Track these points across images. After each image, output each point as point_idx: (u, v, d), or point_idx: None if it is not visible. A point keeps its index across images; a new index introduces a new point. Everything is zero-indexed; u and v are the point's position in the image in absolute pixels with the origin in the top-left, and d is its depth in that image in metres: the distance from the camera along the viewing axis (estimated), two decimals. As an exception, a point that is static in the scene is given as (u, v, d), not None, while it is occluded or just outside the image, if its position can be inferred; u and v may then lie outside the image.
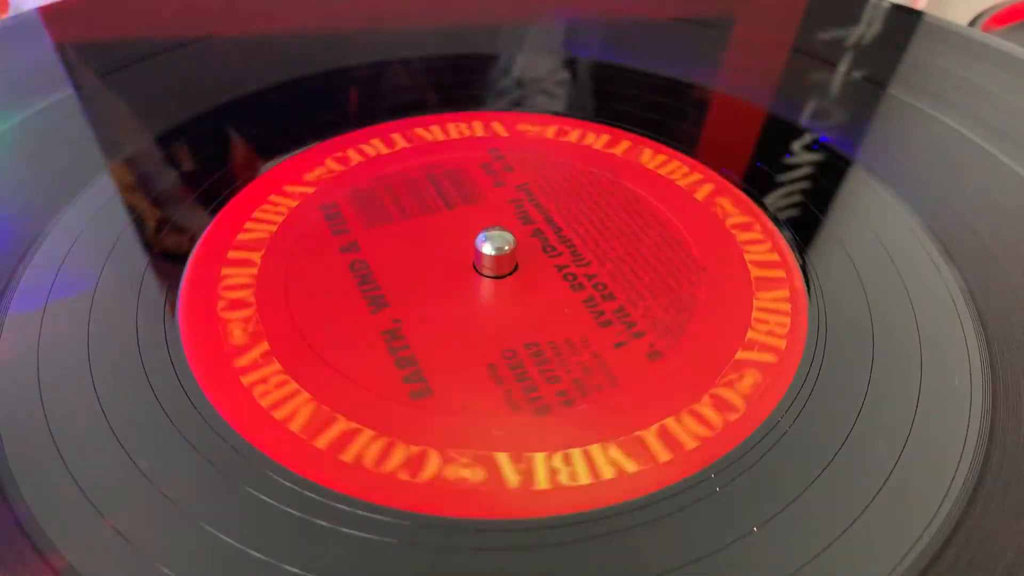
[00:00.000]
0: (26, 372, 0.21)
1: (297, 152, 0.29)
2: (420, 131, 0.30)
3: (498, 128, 0.31)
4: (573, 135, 0.30)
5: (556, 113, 0.32)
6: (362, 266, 0.24)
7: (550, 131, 0.31)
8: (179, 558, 0.17)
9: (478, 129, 0.31)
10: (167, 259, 0.25)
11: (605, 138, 0.30)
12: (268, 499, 0.18)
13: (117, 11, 0.38)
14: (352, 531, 0.17)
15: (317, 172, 0.28)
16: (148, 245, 0.25)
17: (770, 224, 0.26)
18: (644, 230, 0.26)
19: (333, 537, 0.17)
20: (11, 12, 0.43)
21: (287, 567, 0.17)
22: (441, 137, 0.30)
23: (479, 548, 0.17)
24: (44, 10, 0.36)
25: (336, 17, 0.39)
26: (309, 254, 0.25)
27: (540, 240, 0.25)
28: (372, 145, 0.30)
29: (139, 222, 0.26)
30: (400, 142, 0.30)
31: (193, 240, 0.25)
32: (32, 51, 0.34)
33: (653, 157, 0.29)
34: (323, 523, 0.17)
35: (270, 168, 0.28)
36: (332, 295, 0.23)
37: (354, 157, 0.29)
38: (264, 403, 0.20)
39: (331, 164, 0.29)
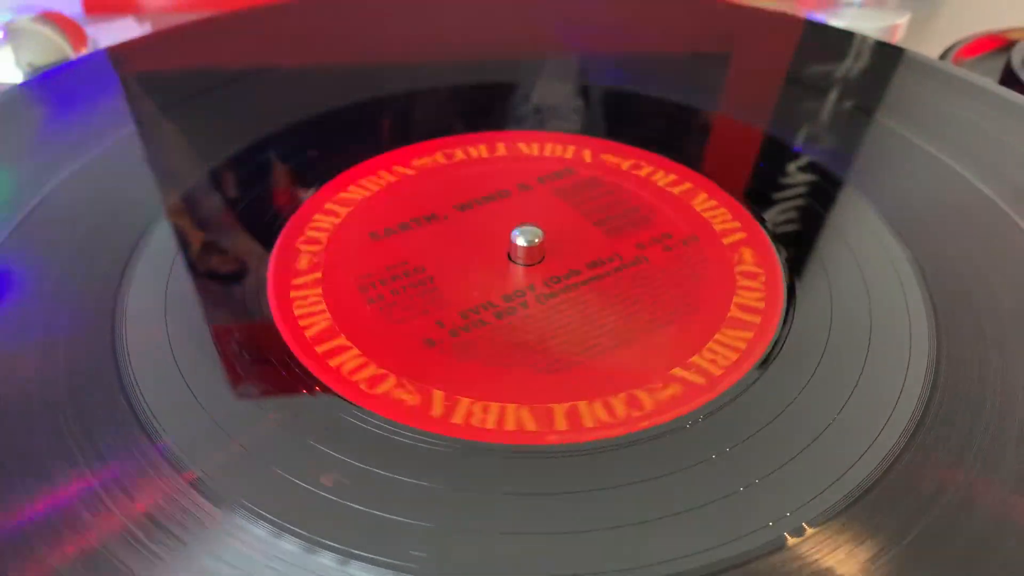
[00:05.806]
0: (157, 332, 0.24)
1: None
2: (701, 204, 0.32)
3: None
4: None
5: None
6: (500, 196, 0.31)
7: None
8: (290, 464, 0.20)
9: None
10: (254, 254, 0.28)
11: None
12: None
13: (177, 48, 0.40)
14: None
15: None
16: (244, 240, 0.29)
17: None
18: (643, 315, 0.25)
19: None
20: (90, 47, 0.44)
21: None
22: (717, 221, 0.30)
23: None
24: (113, 49, 0.38)
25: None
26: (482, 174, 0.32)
27: (573, 277, 0.27)
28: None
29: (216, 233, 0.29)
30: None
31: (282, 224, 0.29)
32: (103, 89, 0.36)
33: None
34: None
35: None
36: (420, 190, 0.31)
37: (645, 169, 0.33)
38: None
39: (591, 155, 0.34)
